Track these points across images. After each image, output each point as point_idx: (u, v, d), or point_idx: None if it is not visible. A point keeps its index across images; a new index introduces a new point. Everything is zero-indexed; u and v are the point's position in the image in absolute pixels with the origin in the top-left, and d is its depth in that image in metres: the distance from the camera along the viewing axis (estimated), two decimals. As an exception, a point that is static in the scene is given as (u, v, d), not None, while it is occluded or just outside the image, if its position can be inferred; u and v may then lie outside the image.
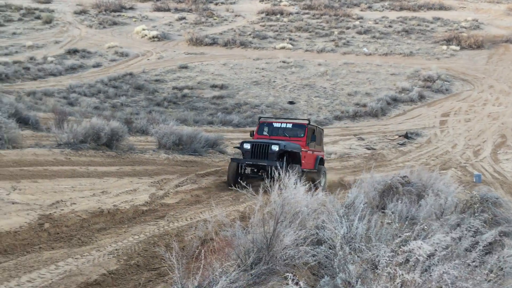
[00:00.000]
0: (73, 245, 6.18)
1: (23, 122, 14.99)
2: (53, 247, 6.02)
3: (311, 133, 13.02)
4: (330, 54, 41.60)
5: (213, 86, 32.43)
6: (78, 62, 35.77)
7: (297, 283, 3.04)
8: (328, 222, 3.92)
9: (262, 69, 36.76)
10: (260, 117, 14.24)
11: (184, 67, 36.10)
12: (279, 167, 10.80)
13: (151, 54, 39.86)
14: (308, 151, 12.87)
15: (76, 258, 5.61)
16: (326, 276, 3.33)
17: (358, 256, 3.57)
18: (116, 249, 6.11)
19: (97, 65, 35.72)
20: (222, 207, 9.16)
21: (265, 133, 13.30)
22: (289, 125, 13.22)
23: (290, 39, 45.86)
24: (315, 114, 29.05)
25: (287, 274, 3.10)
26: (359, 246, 3.74)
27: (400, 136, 24.24)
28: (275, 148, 11.62)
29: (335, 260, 3.46)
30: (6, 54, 36.10)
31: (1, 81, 28.38)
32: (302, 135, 12.91)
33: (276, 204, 4.16)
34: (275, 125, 13.41)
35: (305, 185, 9.52)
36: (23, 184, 8.87)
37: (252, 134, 13.42)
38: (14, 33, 43.57)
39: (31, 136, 13.79)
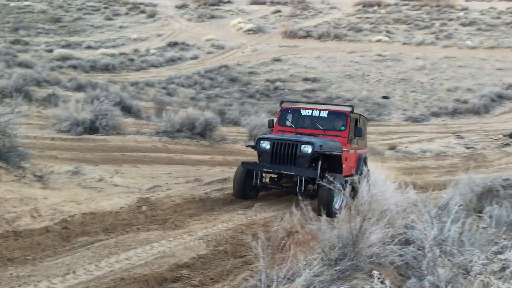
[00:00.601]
0: (167, 228, 6.54)
1: (127, 110, 16.07)
2: (149, 228, 6.41)
3: (354, 125, 9.37)
4: (429, 47, 39.66)
5: (305, 79, 32.36)
6: (177, 54, 37.40)
7: (382, 282, 2.99)
8: (418, 222, 3.79)
9: (356, 62, 36.02)
10: (282, 101, 10.14)
11: (277, 60, 36.38)
12: (316, 178, 8.07)
13: (246, 47, 40.62)
14: (350, 151, 9.36)
15: (169, 241, 5.94)
16: (413, 278, 3.24)
17: (448, 260, 3.42)
18: (206, 235, 6.37)
19: (195, 57, 37.12)
20: (309, 201, 9.17)
21: (289, 123, 9.58)
22: (324, 113, 9.43)
23: (387, 31, 44.39)
24: (411, 109, 27.96)
25: (374, 272, 3.05)
26: (450, 250, 3.57)
27: (504, 135, 22.54)
28: (307, 149, 8.13)
29: (424, 262, 3.35)
30: (113, 46, 38.73)
31: (108, 71, 30.52)
32: (343, 127, 9.15)
33: (364, 201, 4.11)
34: (304, 112, 9.57)
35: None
36: (125, 168, 9.53)
37: (271, 125, 9.64)
38: (121, 27, 46.61)
39: (133, 123, 14.74)
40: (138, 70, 32.89)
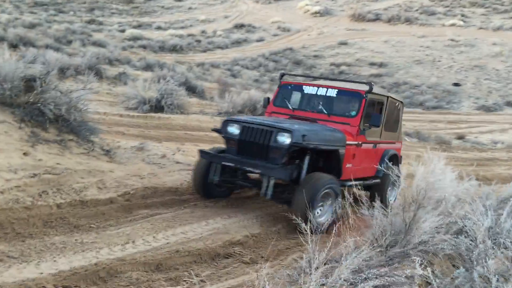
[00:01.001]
0: (224, 206, 6.72)
1: (191, 90, 16.48)
2: (206, 205, 6.61)
3: (372, 110, 7.02)
4: (508, 32, 37.36)
5: (372, 64, 31.62)
6: (243, 36, 37.70)
7: (425, 267, 2.96)
8: (471, 213, 3.68)
9: (427, 47, 34.64)
10: (282, 74, 7.95)
11: (344, 43, 35.72)
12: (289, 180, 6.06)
13: (312, 30, 40.15)
14: (364, 145, 7.00)
15: (224, 218, 6.11)
16: (462, 268, 3.17)
17: (501, 252, 3.30)
18: (261, 215, 6.49)
19: (260, 40, 37.25)
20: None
21: (291, 104, 7.46)
22: (333, 92, 7.10)
23: (462, 15, 42.24)
24: (483, 98, 26.61)
25: (415, 257, 3.02)
26: (503, 242, 3.44)
27: None
28: (284, 139, 5.97)
29: (475, 252, 3.26)
30: (182, 27, 39.66)
31: (176, 52, 31.31)
32: (354, 113, 6.86)
33: (419, 189, 4.03)
34: (307, 90, 7.37)
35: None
36: (186, 146, 9.82)
37: (266, 103, 7.74)
38: (190, 8, 47.55)
39: (197, 103, 15.09)
40: (204, 51, 33.50)
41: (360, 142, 6.88)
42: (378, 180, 7.42)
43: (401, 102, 8.38)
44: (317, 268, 2.96)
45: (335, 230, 3.87)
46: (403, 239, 3.80)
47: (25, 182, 5.81)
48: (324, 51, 34.28)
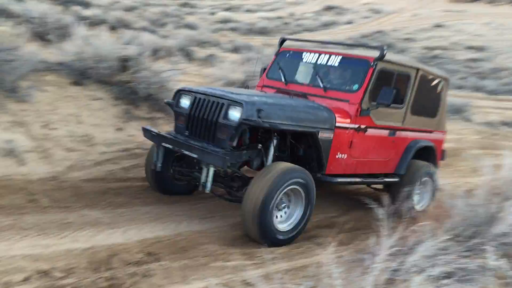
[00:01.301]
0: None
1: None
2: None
3: (387, 85, 5.34)
4: None
5: (469, 48, 29.77)
6: (332, 19, 37.10)
7: (499, 259, 2.85)
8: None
9: (533, 30, 31.92)
10: (283, 39, 6.44)
11: (439, 25, 33.94)
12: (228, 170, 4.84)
13: (405, 11, 38.52)
14: (371, 130, 5.43)
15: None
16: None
17: None
18: (336, 200, 6.52)
19: (349, 22, 36.45)
20: (457, 177, 8.67)
21: (287, 76, 5.95)
22: (335, 60, 5.59)
23: None
24: None
25: (487, 247, 2.90)
26: None
27: None
28: (234, 115, 4.57)
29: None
30: (271, 10, 39.81)
31: (264, 34, 31.55)
32: (356, 86, 5.28)
33: (505, 180, 3.83)
34: (307, 58, 5.89)
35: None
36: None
37: (261, 76, 6.31)
38: (280, -10, 47.51)
39: (281, 86, 15.19)
40: (292, 34, 33.44)
41: (362, 126, 5.29)
42: (396, 179, 5.89)
43: (444, 78, 6.47)
44: (385, 252, 2.95)
45: (410, 216, 3.80)
46: (485, 231, 3.65)
47: (118, 156, 6.27)
48: (417, 34, 32.78)
